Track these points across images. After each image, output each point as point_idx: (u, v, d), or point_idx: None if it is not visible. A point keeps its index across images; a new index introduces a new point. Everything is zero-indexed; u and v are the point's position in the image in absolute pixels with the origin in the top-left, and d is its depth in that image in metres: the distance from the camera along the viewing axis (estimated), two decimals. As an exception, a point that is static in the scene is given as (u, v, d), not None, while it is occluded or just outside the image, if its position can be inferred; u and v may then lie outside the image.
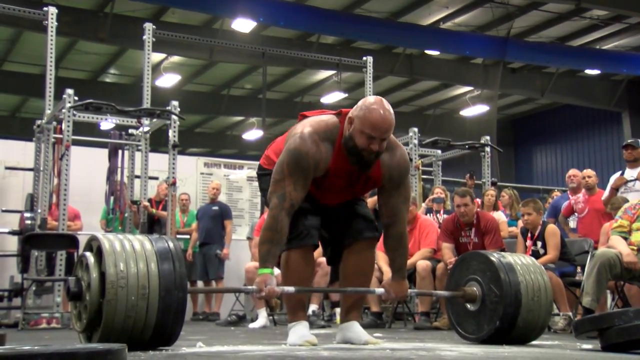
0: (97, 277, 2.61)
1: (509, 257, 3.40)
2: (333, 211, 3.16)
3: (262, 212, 8.09)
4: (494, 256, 3.39)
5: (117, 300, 2.52)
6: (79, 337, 2.74)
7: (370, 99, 2.94)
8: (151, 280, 2.58)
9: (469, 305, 3.39)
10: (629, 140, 6.45)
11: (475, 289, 3.36)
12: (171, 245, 2.71)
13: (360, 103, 2.93)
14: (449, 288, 3.56)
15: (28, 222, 6.56)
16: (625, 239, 4.58)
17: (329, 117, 3.02)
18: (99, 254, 2.66)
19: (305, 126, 2.95)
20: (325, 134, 2.94)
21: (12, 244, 7.14)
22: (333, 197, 3.12)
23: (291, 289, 2.95)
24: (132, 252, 2.62)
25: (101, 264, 2.61)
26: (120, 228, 7.19)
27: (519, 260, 3.41)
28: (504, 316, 3.19)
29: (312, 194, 3.04)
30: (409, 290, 3.25)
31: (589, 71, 15.00)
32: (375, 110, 2.85)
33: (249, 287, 2.99)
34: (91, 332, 2.66)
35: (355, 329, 3.14)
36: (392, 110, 2.90)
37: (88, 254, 2.71)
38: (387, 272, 5.73)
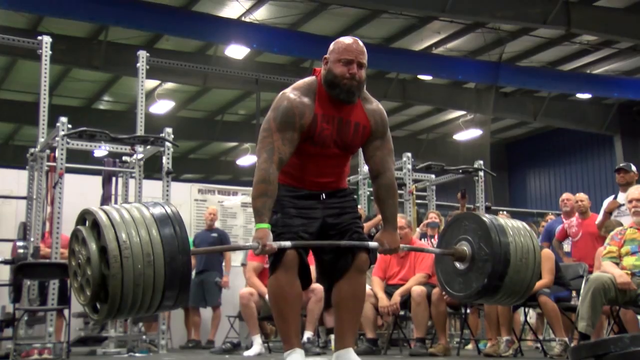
0: (97, 250, 2.56)
1: (501, 220, 3.42)
2: (327, 226, 3.12)
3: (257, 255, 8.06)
4: (486, 217, 3.41)
5: (122, 272, 2.48)
6: (83, 308, 2.71)
7: (340, 38, 3.11)
8: (155, 247, 2.54)
9: (458, 264, 3.37)
10: (621, 164, 6.48)
11: (465, 248, 3.35)
12: (169, 209, 2.67)
13: (332, 44, 3.08)
14: (440, 247, 3.56)
15: (20, 251, 6.52)
16: (617, 264, 4.60)
17: (306, 78, 3.15)
18: (95, 226, 2.61)
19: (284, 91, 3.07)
20: (304, 88, 3.05)
21: (4, 273, 7.08)
22: (328, 161, 3.09)
23: (287, 243, 2.91)
24: (131, 220, 2.57)
25: (100, 237, 2.57)
26: None
27: (510, 222, 3.42)
28: (492, 274, 3.18)
29: (307, 167, 3.05)
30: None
31: (580, 95, 15.13)
32: (345, 39, 3.05)
33: (248, 244, 2.93)
34: (95, 306, 2.64)
35: (350, 356, 3.11)
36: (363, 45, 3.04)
37: (82, 227, 2.65)
38: (383, 298, 5.72)
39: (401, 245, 3.24)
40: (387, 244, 3.15)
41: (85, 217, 2.67)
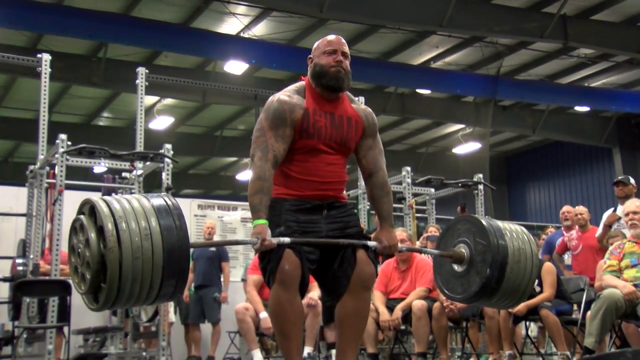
0: (95, 232, 2.56)
1: (498, 222, 3.39)
2: (330, 251, 3.11)
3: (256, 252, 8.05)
4: (483, 219, 3.39)
5: (120, 245, 2.47)
6: (82, 299, 2.68)
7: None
8: (152, 227, 2.54)
9: (456, 267, 3.36)
10: (619, 177, 6.48)
11: (463, 250, 3.34)
12: (169, 201, 2.68)
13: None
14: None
15: (20, 268, 6.51)
16: (618, 277, 4.61)
17: (294, 84, 3.22)
18: (92, 214, 2.60)
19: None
20: (293, 89, 3.13)
21: (4, 291, 7.06)
22: (326, 158, 3.09)
23: (287, 239, 2.91)
24: (130, 209, 2.57)
25: (97, 221, 2.56)
26: None
27: (507, 225, 3.39)
28: (493, 264, 3.16)
29: (306, 166, 3.06)
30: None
31: (578, 108, 15.17)
32: (326, 36, 3.19)
33: (248, 239, 2.91)
34: (96, 292, 2.61)
35: None
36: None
37: (80, 216, 2.65)
38: (384, 313, 5.70)
39: (400, 246, 3.25)
40: (385, 241, 3.15)
41: (84, 206, 2.68)
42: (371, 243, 3.13)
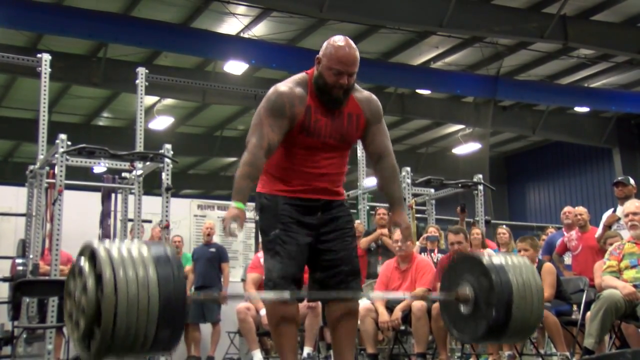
0: (93, 278, 2.53)
1: (500, 258, 3.36)
2: (321, 251, 3.12)
3: (256, 250, 8.05)
4: (484, 257, 3.36)
5: (116, 293, 2.44)
6: (74, 346, 2.67)
7: (335, 37, 3.06)
8: (149, 276, 2.52)
9: (463, 308, 3.35)
10: (619, 178, 6.48)
11: (467, 290, 3.33)
12: (168, 251, 2.66)
13: (325, 43, 3.06)
14: (442, 292, 3.53)
15: (20, 268, 6.51)
16: (617, 278, 4.61)
17: (296, 75, 3.19)
18: (92, 259, 2.59)
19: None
20: (296, 81, 3.11)
21: (3, 291, 7.06)
22: (325, 154, 3.09)
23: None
24: (129, 257, 2.56)
25: (96, 267, 2.54)
26: None
27: (510, 260, 3.35)
28: (498, 305, 3.14)
29: (305, 162, 3.07)
30: (402, 294, 3.21)
31: (578, 109, 15.18)
32: (341, 47, 2.99)
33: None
34: (89, 340, 2.57)
35: None
36: (356, 48, 3.03)
37: (82, 258, 2.64)
38: (383, 313, 5.69)
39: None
40: (403, 223, 3.21)
41: (84, 250, 2.68)
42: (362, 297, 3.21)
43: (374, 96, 3.22)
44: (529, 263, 3.41)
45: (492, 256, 3.39)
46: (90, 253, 2.62)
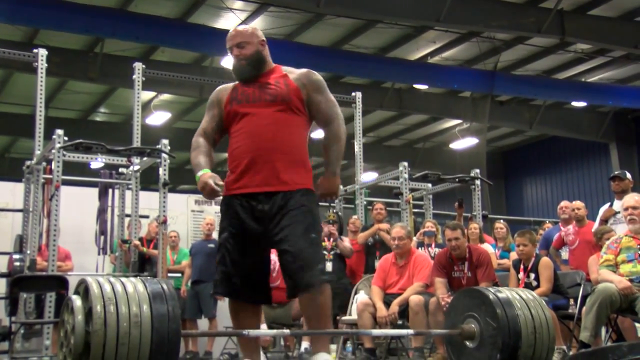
0: (82, 318, 2.51)
1: (506, 292, 3.36)
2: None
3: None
4: (489, 291, 3.36)
5: (105, 328, 2.40)
6: None
7: None
8: (143, 313, 2.48)
9: (468, 343, 3.35)
10: (616, 172, 6.49)
11: (473, 325, 3.32)
12: (165, 286, 2.64)
13: None
14: (446, 327, 3.53)
15: (17, 263, 6.50)
16: (614, 272, 4.62)
17: None
18: (86, 296, 2.57)
19: None
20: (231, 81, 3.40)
21: (1, 286, 7.06)
22: (264, 118, 3.17)
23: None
24: (123, 293, 2.53)
25: (87, 304, 2.53)
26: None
27: (517, 294, 3.37)
28: (504, 348, 3.13)
29: (247, 130, 3.17)
30: (406, 331, 3.26)
31: (575, 103, 15.19)
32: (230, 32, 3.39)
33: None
34: None
35: (317, 358, 3.13)
36: (247, 26, 3.44)
37: (74, 296, 2.63)
38: (381, 308, 5.70)
39: (406, 332, 3.26)
40: (323, 188, 3.21)
41: (79, 286, 2.67)
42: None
43: (312, 71, 3.34)
44: (537, 296, 3.38)
45: (497, 289, 3.38)
46: (84, 289, 2.59)
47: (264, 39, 3.36)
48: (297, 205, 3.07)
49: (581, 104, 15.09)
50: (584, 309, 4.71)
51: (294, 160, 3.16)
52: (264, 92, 3.21)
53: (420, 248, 6.94)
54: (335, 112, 3.25)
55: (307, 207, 3.10)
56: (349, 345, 6.75)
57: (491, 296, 3.27)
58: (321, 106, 3.23)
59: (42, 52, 6.94)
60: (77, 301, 2.60)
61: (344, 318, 6.43)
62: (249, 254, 3.13)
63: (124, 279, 2.67)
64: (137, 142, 6.99)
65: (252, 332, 3.01)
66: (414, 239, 7.21)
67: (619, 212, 5.97)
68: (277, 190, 3.09)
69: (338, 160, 3.22)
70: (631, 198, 5.04)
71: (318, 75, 3.29)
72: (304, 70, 3.31)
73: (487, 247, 6.95)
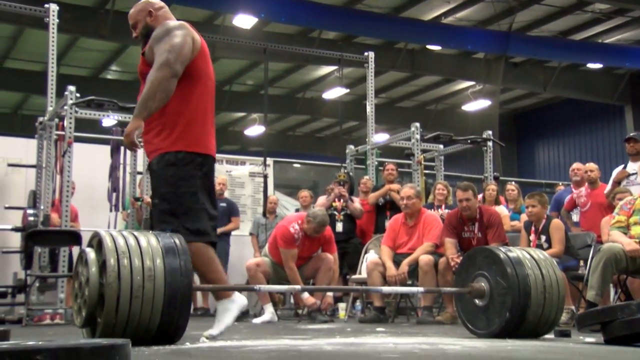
0: (97, 267, 2.55)
1: (517, 251, 3.38)
2: None
3: (265, 212, 8.09)
4: (500, 250, 3.38)
5: (119, 281, 2.43)
6: (81, 332, 2.73)
7: None
8: (156, 268, 2.52)
9: (477, 301, 3.38)
10: (631, 134, 6.43)
11: (482, 284, 3.35)
12: (177, 242, 2.67)
13: None
14: (457, 285, 3.55)
15: (31, 218, 6.57)
16: (625, 233, 4.61)
17: None
18: (100, 249, 2.61)
19: None
20: None
21: (15, 240, 7.15)
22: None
23: None
24: (137, 247, 2.56)
25: (101, 254, 2.56)
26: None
27: (529, 253, 3.38)
28: (513, 307, 3.16)
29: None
30: (416, 289, 3.31)
31: (591, 65, 14.96)
32: None
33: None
34: (93, 327, 2.61)
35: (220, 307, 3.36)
36: (137, 4, 3.49)
37: (88, 249, 2.67)
38: (390, 267, 5.75)
39: (416, 289, 3.23)
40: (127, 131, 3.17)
41: (93, 239, 2.69)
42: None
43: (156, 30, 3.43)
44: (549, 257, 3.38)
45: (507, 249, 3.39)
46: (97, 242, 2.62)
47: (153, 8, 3.45)
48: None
49: (597, 65, 14.87)
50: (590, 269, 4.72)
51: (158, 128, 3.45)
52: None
53: (430, 209, 6.96)
54: (156, 59, 3.26)
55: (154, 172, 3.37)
56: (358, 303, 6.82)
57: (502, 255, 3.29)
58: (150, 54, 3.34)
59: (54, 7, 6.90)
60: (91, 254, 2.63)
61: (353, 277, 6.49)
62: None
63: (136, 232, 2.70)
64: (148, 100, 6.97)
65: (263, 287, 3.05)
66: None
67: (633, 174, 5.94)
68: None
69: (140, 103, 3.19)
70: None
71: (161, 27, 3.34)
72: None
73: (502, 209, 6.94)
